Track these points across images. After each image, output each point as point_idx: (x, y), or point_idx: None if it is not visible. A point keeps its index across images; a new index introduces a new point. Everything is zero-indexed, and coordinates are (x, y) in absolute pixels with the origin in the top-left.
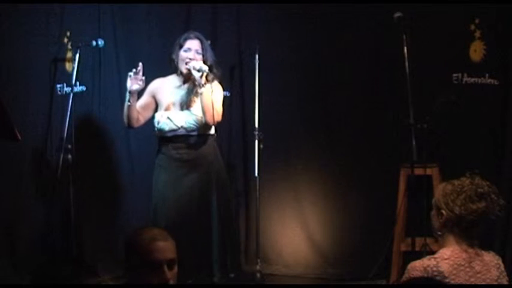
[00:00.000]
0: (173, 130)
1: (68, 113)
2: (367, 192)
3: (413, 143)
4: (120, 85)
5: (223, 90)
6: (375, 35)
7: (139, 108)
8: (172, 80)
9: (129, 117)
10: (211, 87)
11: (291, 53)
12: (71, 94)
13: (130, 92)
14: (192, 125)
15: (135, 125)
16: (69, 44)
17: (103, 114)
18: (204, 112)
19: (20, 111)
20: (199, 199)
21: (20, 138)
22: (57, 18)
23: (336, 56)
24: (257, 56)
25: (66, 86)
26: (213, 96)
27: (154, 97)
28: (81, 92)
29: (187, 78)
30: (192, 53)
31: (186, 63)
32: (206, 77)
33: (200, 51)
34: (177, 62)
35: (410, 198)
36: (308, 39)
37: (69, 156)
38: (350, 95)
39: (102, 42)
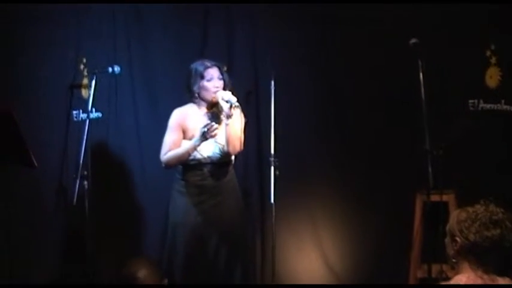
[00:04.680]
0: (198, 159)
1: (84, 139)
2: (383, 218)
3: (429, 169)
4: (136, 112)
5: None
6: (391, 60)
7: (175, 146)
8: (193, 109)
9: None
10: (239, 117)
11: (307, 77)
12: (87, 120)
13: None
14: (217, 155)
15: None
16: (85, 70)
17: (119, 141)
18: (227, 142)
19: (37, 138)
20: (219, 226)
21: (36, 165)
22: (73, 44)
23: (352, 81)
24: (273, 82)
25: (82, 113)
26: (236, 126)
27: (183, 129)
28: (97, 118)
29: (211, 107)
30: (216, 81)
31: (214, 93)
32: (232, 108)
33: (221, 77)
34: (199, 93)
35: (426, 224)
36: (324, 63)
37: (85, 182)
38: (366, 120)
39: (119, 68)
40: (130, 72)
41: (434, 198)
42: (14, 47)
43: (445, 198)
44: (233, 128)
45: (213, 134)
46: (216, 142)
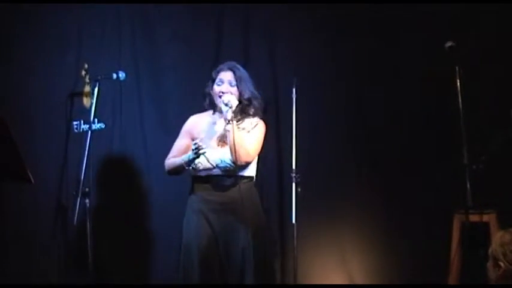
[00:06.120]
0: (207, 169)
1: (86, 152)
2: (417, 240)
3: (468, 186)
4: (142, 122)
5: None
6: (424, 66)
7: (179, 152)
8: (209, 117)
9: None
10: (252, 126)
11: (332, 85)
12: (89, 132)
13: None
14: (227, 165)
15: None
16: (87, 76)
17: (124, 154)
18: (230, 149)
19: (34, 151)
20: (232, 246)
21: (33, 180)
22: (74, 48)
23: (381, 89)
24: (294, 90)
25: (84, 123)
26: (250, 135)
27: (191, 137)
28: (100, 129)
29: (220, 113)
30: (225, 86)
31: (220, 97)
32: (233, 113)
33: (234, 82)
34: (212, 97)
35: (465, 247)
36: (351, 70)
37: (87, 200)
38: (397, 131)
39: (123, 74)
40: (137, 78)
41: (474, 218)
42: (7, 50)
43: (485, 218)
44: (236, 135)
45: (200, 152)
46: (226, 151)
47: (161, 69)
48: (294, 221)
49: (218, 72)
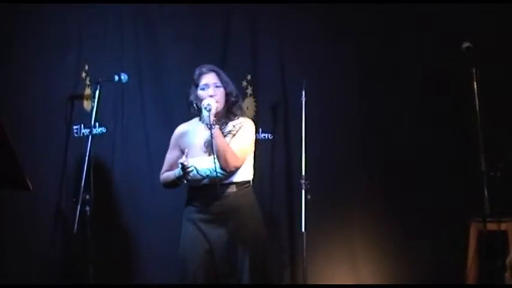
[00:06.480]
0: (200, 180)
1: (86, 158)
2: (433, 250)
3: (486, 193)
4: (145, 126)
5: (255, 127)
6: (439, 68)
7: (171, 166)
8: (196, 124)
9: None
10: (237, 128)
11: (344, 88)
12: (90, 137)
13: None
14: (218, 173)
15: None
16: (88, 79)
17: (126, 160)
18: (216, 156)
19: (32, 156)
20: (230, 256)
21: (31, 187)
22: (74, 49)
23: (396, 92)
24: (304, 92)
25: (84, 128)
26: (235, 138)
27: (181, 148)
28: (101, 134)
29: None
30: (211, 89)
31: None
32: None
33: (219, 83)
34: (197, 104)
35: (482, 256)
36: (363, 72)
37: (87, 208)
38: (411, 136)
39: (126, 76)
40: (139, 80)
41: (491, 227)
42: (7, 50)
43: (503, 227)
44: (219, 140)
45: (188, 170)
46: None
47: (165, 71)
48: (303, 229)
49: (200, 76)
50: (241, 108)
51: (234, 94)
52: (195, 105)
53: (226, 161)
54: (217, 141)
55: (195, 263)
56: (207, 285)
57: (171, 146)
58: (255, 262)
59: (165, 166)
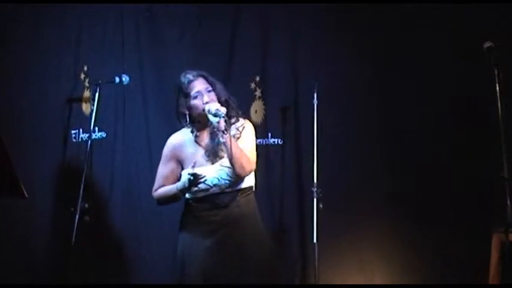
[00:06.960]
0: (205, 190)
1: (85, 164)
2: (452, 262)
3: (508, 202)
4: (148, 131)
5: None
6: (459, 69)
7: (167, 180)
8: (189, 134)
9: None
10: (240, 130)
11: (357, 90)
12: (89, 142)
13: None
14: (226, 181)
15: None
16: (87, 80)
17: (127, 166)
18: (232, 163)
19: (27, 163)
20: (230, 264)
21: (26, 195)
22: (72, 49)
23: (413, 96)
24: (315, 95)
25: (83, 132)
26: (242, 141)
27: (179, 160)
28: (101, 139)
29: (205, 126)
30: (205, 96)
31: (204, 110)
32: (226, 121)
33: (210, 88)
34: (190, 114)
35: (505, 268)
36: (378, 74)
37: (86, 218)
38: (428, 141)
39: (127, 78)
40: (141, 83)
41: None
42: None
43: None
44: (234, 146)
45: (201, 181)
46: (222, 166)
47: (169, 73)
48: (315, 240)
49: (189, 85)
50: (236, 108)
51: (224, 97)
52: (187, 116)
53: (243, 167)
54: (232, 148)
55: (194, 270)
56: (207, 285)
57: (164, 159)
58: (259, 266)
59: (159, 181)
